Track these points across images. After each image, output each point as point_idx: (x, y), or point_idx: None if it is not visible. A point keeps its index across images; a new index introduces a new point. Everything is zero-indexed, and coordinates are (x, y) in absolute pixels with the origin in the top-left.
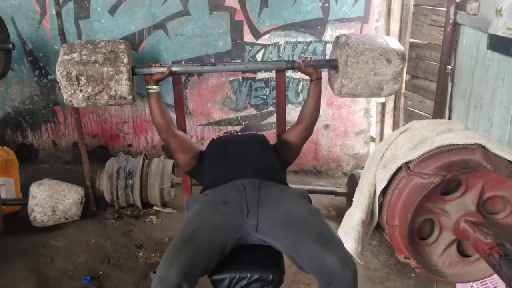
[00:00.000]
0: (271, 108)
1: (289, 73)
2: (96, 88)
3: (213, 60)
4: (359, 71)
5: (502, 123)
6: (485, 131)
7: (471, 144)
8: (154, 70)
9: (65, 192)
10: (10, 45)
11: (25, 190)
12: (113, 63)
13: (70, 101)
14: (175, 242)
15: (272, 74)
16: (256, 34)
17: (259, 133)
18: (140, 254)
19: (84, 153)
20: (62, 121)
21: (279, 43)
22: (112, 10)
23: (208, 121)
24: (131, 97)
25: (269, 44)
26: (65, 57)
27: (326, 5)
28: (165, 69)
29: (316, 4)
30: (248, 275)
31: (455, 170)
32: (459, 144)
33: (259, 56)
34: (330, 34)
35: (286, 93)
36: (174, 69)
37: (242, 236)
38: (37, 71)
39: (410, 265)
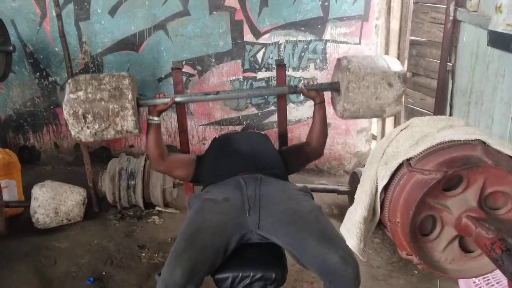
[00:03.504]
0: (272, 107)
1: (289, 72)
2: (103, 124)
3: (213, 60)
4: (360, 96)
5: (503, 119)
6: (486, 128)
7: (472, 140)
8: (158, 101)
9: (67, 193)
10: (11, 48)
11: (27, 192)
12: (118, 100)
13: (78, 137)
14: (178, 243)
15: (273, 74)
16: (256, 33)
17: (262, 132)
18: (143, 254)
19: (86, 154)
20: (63, 122)
21: (280, 42)
22: (112, 11)
23: (209, 121)
24: (137, 130)
25: (269, 44)
26: (71, 95)
27: (326, 3)
28: (169, 100)
29: (316, 3)
30: (251, 274)
31: (456, 166)
32: (460, 140)
33: (259, 56)
34: (330, 32)
35: None
36: (177, 99)
37: (245, 233)
38: (38, 73)
39: (413, 262)
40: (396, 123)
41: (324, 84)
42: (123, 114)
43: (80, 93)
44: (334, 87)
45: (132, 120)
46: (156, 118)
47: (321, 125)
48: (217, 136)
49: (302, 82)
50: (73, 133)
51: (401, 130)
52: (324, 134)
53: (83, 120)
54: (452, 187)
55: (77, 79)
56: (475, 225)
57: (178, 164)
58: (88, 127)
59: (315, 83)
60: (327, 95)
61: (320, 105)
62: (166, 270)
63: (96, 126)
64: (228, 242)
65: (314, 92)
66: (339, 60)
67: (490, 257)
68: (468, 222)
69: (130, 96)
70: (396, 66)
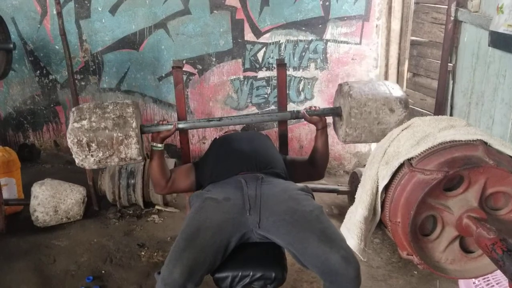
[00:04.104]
0: (273, 107)
1: (290, 72)
2: (107, 152)
3: (214, 59)
4: (362, 121)
5: (504, 119)
6: (487, 128)
7: (473, 140)
8: (162, 128)
9: (67, 192)
10: (11, 45)
11: (27, 191)
12: (122, 128)
13: (82, 164)
14: (178, 242)
15: (274, 73)
16: (257, 33)
17: (262, 132)
18: (143, 253)
19: None
20: (63, 121)
21: (280, 42)
22: (113, 10)
23: None
24: (140, 157)
25: (270, 43)
26: (75, 124)
27: (327, 3)
28: (172, 126)
29: (317, 3)
30: (251, 273)
31: (457, 166)
32: (461, 140)
33: (260, 55)
34: (331, 32)
35: (287, 91)
36: (180, 126)
37: (245, 233)
38: (38, 71)
39: (413, 262)
40: None
41: (326, 109)
42: (127, 142)
43: (84, 122)
44: (336, 112)
45: (136, 148)
46: (159, 145)
47: (323, 150)
48: (217, 137)
49: (304, 108)
50: (77, 161)
51: (402, 130)
52: (325, 159)
53: (87, 149)
54: (453, 187)
55: (81, 108)
56: (476, 226)
57: (179, 179)
58: (92, 155)
59: (318, 108)
60: (329, 119)
61: (322, 131)
62: (166, 269)
63: (100, 154)
64: (228, 241)
65: (317, 117)
66: (340, 85)
67: (491, 257)
68: (469, 222)
69: (134, 124)
70: (397, 91)
